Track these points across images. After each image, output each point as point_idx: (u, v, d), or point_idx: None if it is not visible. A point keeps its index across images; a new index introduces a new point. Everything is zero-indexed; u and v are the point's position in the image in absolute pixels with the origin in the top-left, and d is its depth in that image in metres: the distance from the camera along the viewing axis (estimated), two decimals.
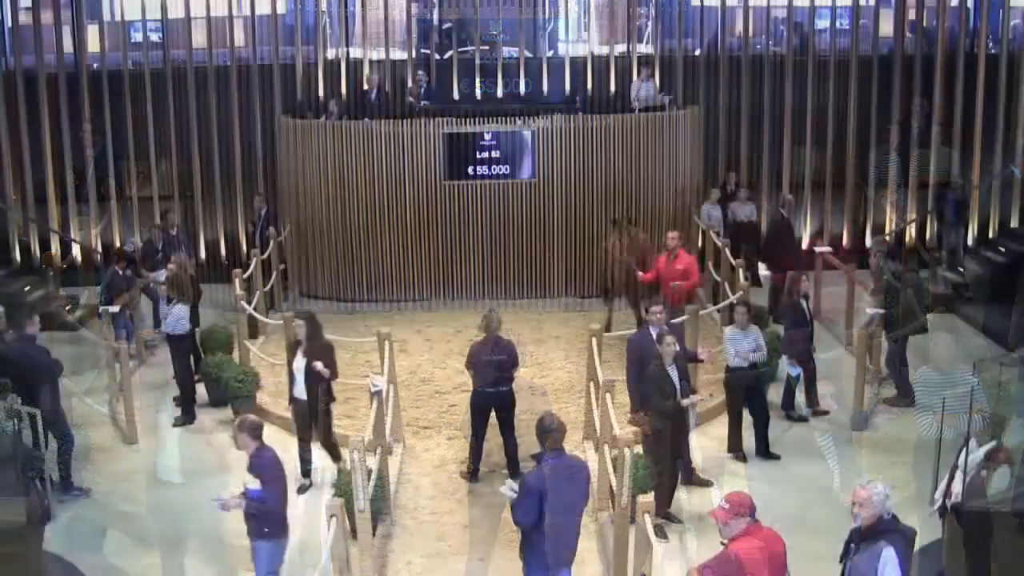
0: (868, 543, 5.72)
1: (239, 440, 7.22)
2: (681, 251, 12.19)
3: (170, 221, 14.78)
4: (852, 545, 5.87)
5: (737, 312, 10.01)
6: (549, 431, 6.53)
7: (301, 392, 9.44)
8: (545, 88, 17.03)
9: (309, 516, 9.04)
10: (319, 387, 9.38)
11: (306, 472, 9.60)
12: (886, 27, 17.55)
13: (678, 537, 8.56)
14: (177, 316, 11.17)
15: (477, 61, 16.90)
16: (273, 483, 7.11)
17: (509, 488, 6.57)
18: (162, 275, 12.48)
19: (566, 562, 6.70)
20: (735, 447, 10.07)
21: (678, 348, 8.78)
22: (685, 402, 8.54)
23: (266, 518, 7.09)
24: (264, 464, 7.14)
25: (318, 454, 9.72)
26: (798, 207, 17.54)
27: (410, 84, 16.29)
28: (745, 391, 9.94)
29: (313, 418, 9.48)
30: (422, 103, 15.69)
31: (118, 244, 15.84)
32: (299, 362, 9.40)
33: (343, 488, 8.19)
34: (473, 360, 9.54)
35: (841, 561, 5.97)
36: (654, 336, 9.09)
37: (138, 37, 17.26)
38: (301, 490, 9.49)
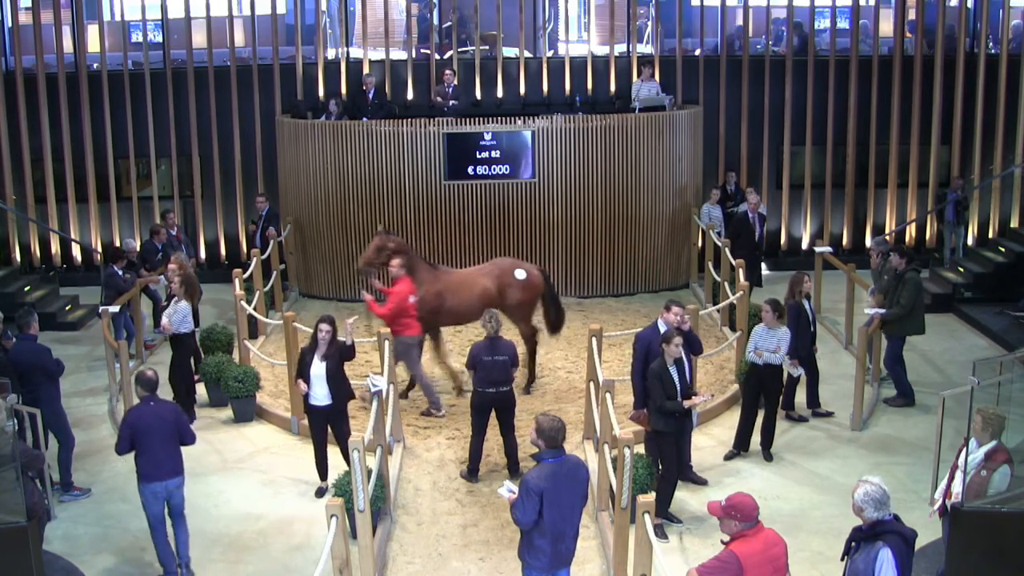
0: (868, 543, 5.73)
1: (136, 390, 8.17)
2: (401, 279, 10.96)
3: (170, 221, 14.80)
4: (853, 544, 5.88)
5: (763, 310, 10.02)
6: (547, 431, 6.52)
7: (321, 399, 9.15)
8: (545, 88, 17.04)
9: (309, 516, 9.05)
10: (342, 389, 9.22)
11: (324, 476, 9.48)
12: (886, 27, 17.57)
13: (678, 537, 8.56)
14: (182, 315, 11.17)
15: (477, 61, 16.92)
16: (122, 433, 7.95)
17: (507, 489, 6.57)
18: (165, 277, 12.49)
19: (566, 562, 6.70)
20: (740, 444, 10.07)
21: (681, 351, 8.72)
22: (687, 403, 8.53)
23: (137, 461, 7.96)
24: (126, 414, 8.16)
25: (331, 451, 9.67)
26: (799, 207, 17.60)
27: (439, 84, 16.22)
28: (760, 388, 9.95)
29: (335, 422, 9.27)
30: (451, 103, 15.66)
31: (117, 244, 15.85)
32: (317, 368, 9.14)
33: (343, 488, 8.20)
34: (473, 360, 9.53)
35: (843, 559, 5.99)
36: (663, 333, 9.11)
37: (138, 37, 17.27)
38: (319, 493, 9.44)
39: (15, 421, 8.17)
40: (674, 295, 15.39)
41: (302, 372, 9.23)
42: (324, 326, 9.19)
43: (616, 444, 7.73)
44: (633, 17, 17.04)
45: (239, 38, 17.29)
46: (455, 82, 16.03)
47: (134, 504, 9.33)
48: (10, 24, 16.94)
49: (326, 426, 9.30)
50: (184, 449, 10.45)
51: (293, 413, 10.93)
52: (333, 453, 9.55)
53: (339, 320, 9.53)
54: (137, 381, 8.13)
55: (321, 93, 16.93)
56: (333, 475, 9.18)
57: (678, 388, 8.53)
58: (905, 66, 17.15)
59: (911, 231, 17.66)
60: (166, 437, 7.95)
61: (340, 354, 9.20)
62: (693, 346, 9.43)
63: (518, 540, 6.72)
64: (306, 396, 9.26)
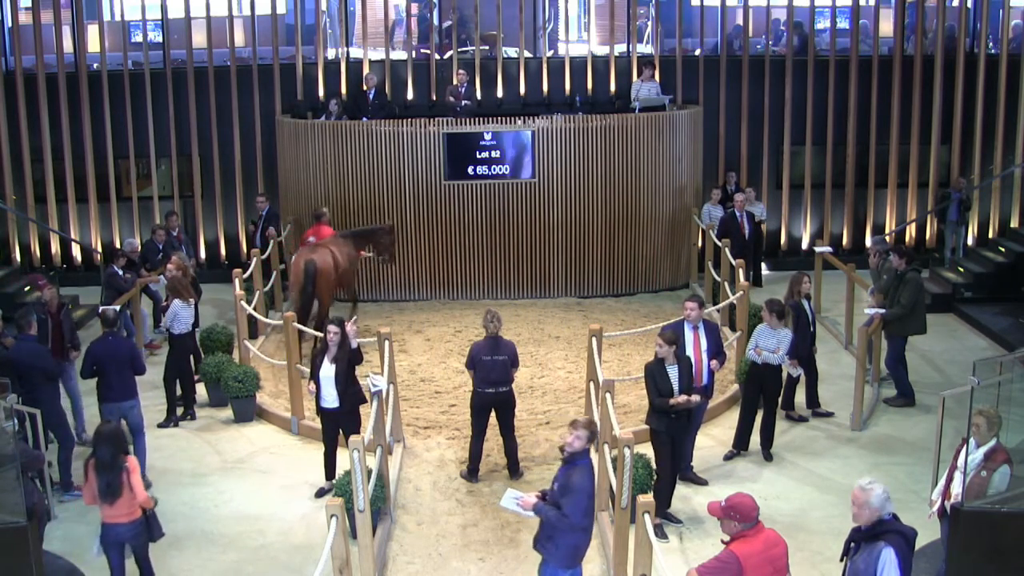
0: (868, 543, 5.73)
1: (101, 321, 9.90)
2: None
3: (172, 223, 14.76)
4: (852, 544, 5.87)
5: (763, 312, 10.02)
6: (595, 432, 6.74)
7: (331, 401, 9.15)
8: (545, 88, 17.04)
9: (309, 516, 9.05)
10: (351, 392, 9.21)
11: (331, 476, 9.46)
12: (886, 27, 17.58)
13: (678, 537, 8.56)
14: (173, 314, 11.15)
15: (477, 61, 16.92)
16: (86, 361, 9.58)
17: (513, 499, 6.59)
18: (164, 277, 12.49)
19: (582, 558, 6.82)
20: (740, 444, 10.07)
21: (675, 349, 8.65)
22: (672, 401, 8.46)
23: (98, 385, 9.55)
24: (89, 346, 9.68)
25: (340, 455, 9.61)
26: (799, 207, 17.61)
27: (452, 83, 16.21)
28: (760, 388, 9.96)
29: (345, 424, 9.23)
30: (464, 103, 15.66)
31: (118, 244, 15.85)
32: (327, 370, 9.14)
33: (343, 488, 8.20)
34: (473, 360, 9.53)
35: (842, 560, 5.98)
36: (688, 333, 9.10)
37: (138, 37, 17.27)
38: (319, 494, 9.43)
39: (15, 421, 8.17)
40: (674, 295, 15.40)
41: (312, 374, 9.27)
42: (333, 328, 9.19)
43: (616, 444, 7.72)
44: (633, 17, 17.04)
45: (239, 38, 17.29)
46: (467, 82, 16.04)
47: None
48: (10, 24, 16.94)
49: (336, 428, 9.29)
50: (184, 449, 10.50)
51: (293, 413, 10.94)
52: (343, 455, 9.55)
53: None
54: (100, 318, 9.81)
55: (321, 93, 16.93)
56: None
57: (676, 387, 8.49)
58: (905, 66, 17.15)
59: (911, 231, 17.66)
60: (121, 366, 9.51)
61: (349, 357, 9.20)
62: (711, 348, 9.39)
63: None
64: (317, 398, 9.27)
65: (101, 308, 12.18)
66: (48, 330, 10.39)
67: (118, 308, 10.23)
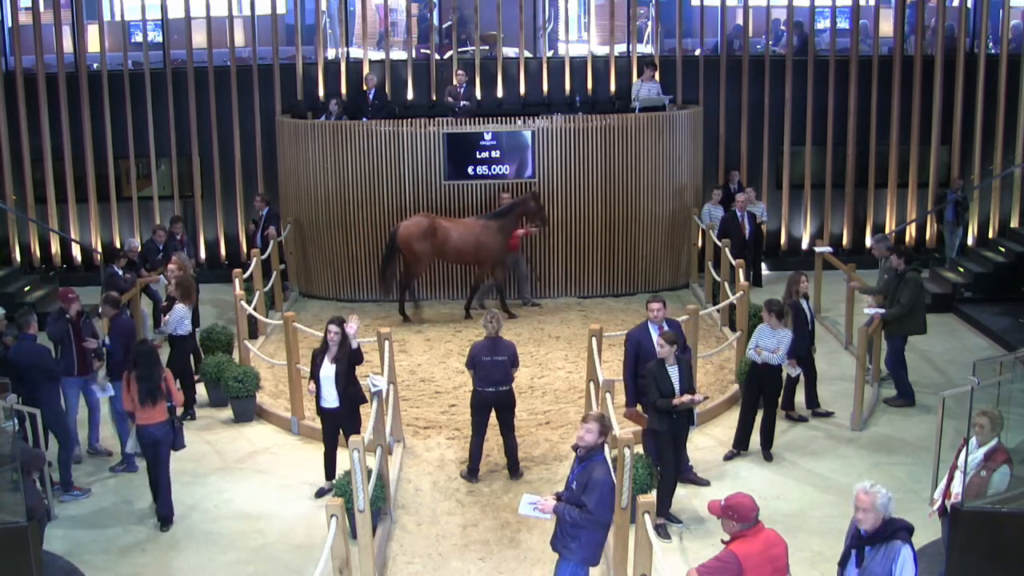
0: (881, 545, 5.67)
1: (103, 310, 10.48)
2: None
3: (176, 229, 14.66)
4: (854, 551, 5.78)
5: (763, 312, 10.02)
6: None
7: (331, 401, 9.15)
8: (545, 88, 17.04)
9: (309, 516, 9.05)
10: (351, 392, 9.20)
11: (331, 476, 9.44)
12: (886, 27, 17.58)
13: (678, 537, 8.56)
14: (178, 317, 11.15)
15: (477, 61, 16.92)
16: (115, 343, 10.12)
17: (529, 504, 6.58)
18: (164, 277, 12.48)
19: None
20: (740, 444, 10.07)
21: (676, 349, 8.69)
22: (676, 401, 8.47)
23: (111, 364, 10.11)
24: (116, 324, 10.27)
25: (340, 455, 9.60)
26: (799, 207, 17.61)
27: (451, 83, 16.21)
28: (760, 388, 9.96)
29: (345, 424, 9.22)
30: (462, 103, 15.65)
31: (118, 244, 15.85)
32: (327, 370, 9.14)
33: (343, 488, 8.19)
34: (473, 360, 9.53)
35: (842, 566, 5.91)
36: (653, 333, 9.10)
37: (138, 37, 17.28)
38: (319, 494, 9.43)
39: (15, 421, 8.17)
40: (674, 295, 15.40)
41: (313, 374, 9.26)
42: (333, 327, 9.15)
43: (616, 444, 7.72)
44: (633, 17, 17.04)
45: (239, 38, 17.29)
46: (466, 82, 16.05)
47: (134, 504, 9.38)
48: (10, 24, 16.94)
49: (336, 428, 9.28)
50: (184, 449, 10.51)
51: (293, 413, 10.94)
52: (343, 455, 9.54)
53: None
54: (106, 301, 10.44)
55: (321, 93, 16.93)
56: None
57: (677, 388, 8.50)
58: (905, 66, 17.16)
59: (911, 231, 17.66)
60: (133, 341, 10.10)
61: (349, 357, 9.19)
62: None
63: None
64: (317, 398, 9.26)
65: (101, 309, 12.18)
66: (72, 345, 10.01)
67: (111, 293, 10.92)
